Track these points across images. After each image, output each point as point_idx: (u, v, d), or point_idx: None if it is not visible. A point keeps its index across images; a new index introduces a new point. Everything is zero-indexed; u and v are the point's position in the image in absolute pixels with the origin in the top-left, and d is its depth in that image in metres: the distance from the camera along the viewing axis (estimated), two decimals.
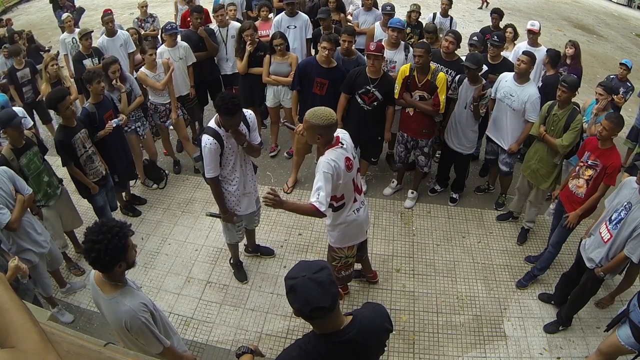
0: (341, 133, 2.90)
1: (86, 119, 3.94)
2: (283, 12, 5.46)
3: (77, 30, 6.22)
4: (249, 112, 3.31)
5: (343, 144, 2.85)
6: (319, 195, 2.67)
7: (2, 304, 0.91)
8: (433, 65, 4.33)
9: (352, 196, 3.03)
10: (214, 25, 5.60)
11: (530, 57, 4.14)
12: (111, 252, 1.92)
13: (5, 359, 0.84)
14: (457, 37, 4.63)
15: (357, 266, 3.88)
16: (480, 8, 12.43)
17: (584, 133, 4.15)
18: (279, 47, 4.76)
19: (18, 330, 0.88)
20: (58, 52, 6.80)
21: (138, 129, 4.78)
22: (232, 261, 4.07)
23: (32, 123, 4.79)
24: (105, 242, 1.89)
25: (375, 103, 4.34)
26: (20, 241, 3.17)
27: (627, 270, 3.62)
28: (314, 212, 2.68)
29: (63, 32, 6.54)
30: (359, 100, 4.35)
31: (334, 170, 2.71)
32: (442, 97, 4.21)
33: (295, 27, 5.43)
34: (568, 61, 5.33)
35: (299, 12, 5.53)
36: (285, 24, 5.41)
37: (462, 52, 4.96)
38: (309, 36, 5.54)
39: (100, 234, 1.90)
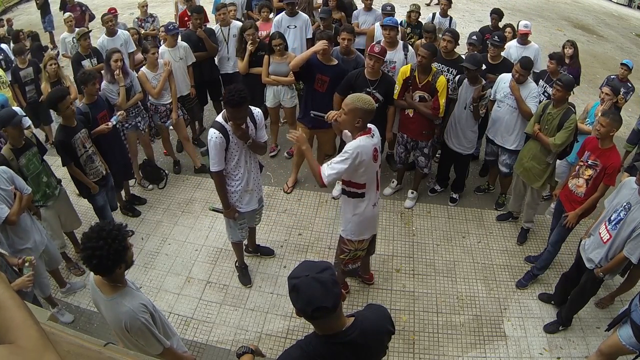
0: (372, 126, 2.97)
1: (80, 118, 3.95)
2: (283, 12, 5.45)
3: (77, 30, 6.23)
4: (257, 110, 3.33)
5: (374, 135, 2.94)
6: (332, 165, 2.83)
7: (3, 302, 0.92)
8: (435, 67, 4.32)
9: (374, 189, 3.09)
10: (214, 25, 5.60)
11: (527, 68, 4.16)
12: (113, 257, 1.91)
13: (3, 354, 0.84)
14: (455, 36, 4.64)
15: None
16: (429, 5, 11.74)
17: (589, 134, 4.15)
18: (277, 48, 4.75)
19: (18, 327, 0.89)
20: (58, 51, 6.80)
21: (139, 124, 4.79)
22: (237, 264, 4.06)
23: (30, 122, 4.78)
24: (106, 248, 1.88)
25: (376, 105, 4.33)
26: (17, 240, 3.16)
27: (629, 272, 3.62)
28: (318, 175, 2.87)
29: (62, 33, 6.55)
30: None
31: (358, 154, 2.81)
32: (442, 101, 4.21)
33: (295, 27, 5.42)
34: (567, 61, 5.34)
35: (299, 12, 5.52)
36: (285, 23, 5.41)
37: (462, 50, 4.97)
38: (309, 36, 5.54)
39: (99, 240, 1.89)
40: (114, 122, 4.03)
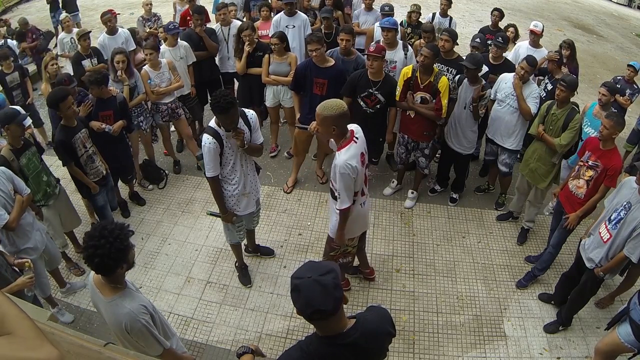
0: (354, 127, 2.92)
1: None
2: (282, 12, 5.45)
3: (75, 30, 6.24)
4: (251, 113, 3.30)
5: (357, 139, 2.88)
6: (341, 196, 2.91)
7: None
8: (436, 67, 4.33)
9: (361, 189, 3.08)
10: (216, 25, 5.61)
11: (533, 65, 4.15)
12: (115, 255, 1.91)
13: (3, 344, 0.87)
14: (452, 35, 4.64)
15: (355, 262, 3.89)
16: None
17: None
18: (273, 47, 4.75)
19: (14, 319, 0.92)
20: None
21: (141, 124, 4.81)
22: (237, 264, 4.05)
23: (30, 122, 4.78)
24: (107, 246, 1.88)
25: (377, 106, 4.34)
26: (18, 240, 3.16)
27: (628, 271, 3.62)
28: (347, 212, 2.99)
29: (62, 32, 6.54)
30: (361, 103, 4.34)
31: (353, 171, 2.80)
32: (445, 102, 4.21)
33: (294, 26, 5.41)
34: (564, 61, 5.32)
35: (298, 11, 5.52)
36: (284, 23, 5.40)
37: (464, 52, 4.96)
38: None
39: (102, 238, 1.89)
40: (107, 130, 4.05)
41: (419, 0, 6.48)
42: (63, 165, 3.80)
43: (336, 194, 2.95)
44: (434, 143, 4.74)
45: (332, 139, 2.92)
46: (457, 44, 4.80)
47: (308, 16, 5.90)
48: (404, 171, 5.10)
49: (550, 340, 3.60)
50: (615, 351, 2.95)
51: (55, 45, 8.90)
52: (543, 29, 5.33)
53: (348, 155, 2.79)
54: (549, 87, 4.79)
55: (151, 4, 6.89)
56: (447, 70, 4.63)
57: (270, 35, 5.02)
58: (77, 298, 3.89)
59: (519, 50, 5.32)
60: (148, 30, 6.50)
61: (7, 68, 5.45)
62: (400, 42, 4.89)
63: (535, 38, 5.30)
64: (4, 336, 0.88)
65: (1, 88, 5.40)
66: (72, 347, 1.06)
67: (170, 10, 8.11)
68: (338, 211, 3.03)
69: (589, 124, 4.28)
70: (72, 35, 6.15)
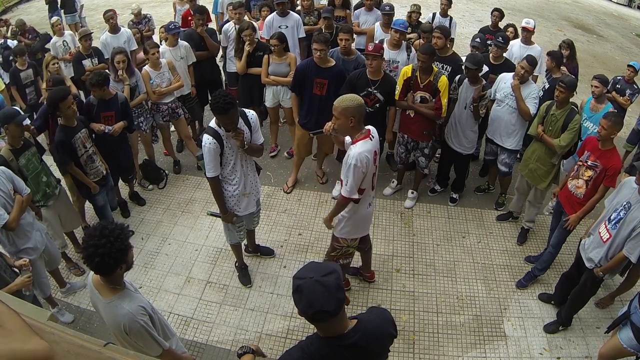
0: (371, 127, 2.95)
1: (85, 108, 4.02)
2: (274, 12, 5.43)
3: (66, 33, 6.26)
4: (251, 113, 3.31)
5: (373, 137, 2.91)
6: (348, 185, 2.89)
7: None
8: (436, 67, 4.33)
9: (370, 190, 3.10)
10: (228, 23, 5.61)
11: (533, 65, 4.16)
12: (115, 255, 1.91)
13: None
14: (444, 32, 4.68)
15: (357, 263, 3.89)
16: None
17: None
18: (273, 48, 4.76)
19: (2, 314, 0.94)
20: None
21: (141, 124, 4.82)
22: (237, 264, 4.05)
23: (29, 122, 4.79)
24: (108, 246, 1.88)
25: (377, 105, 4.34)
26: (18, 240, 3.16)
27: (628, 272, 3.62)
28: (347, 202, 2.98)
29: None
30: None
31: (365, 164, 2.81)
32: (444, 101, 4.21)
33: (287, 26, 5.40)
34: (564, 61, 5.33)
35: (290, 11, 5.51)
36: (277, 24, 5.37)
37: (464, 52, 4.97)
38: (301, 35, 5.52)
39: (102, 238, 1.89)
40: (107, 131, 4.05)
41: (419, 0, 6.49)
42: (60, 165, 3.78)
43: (344, 182, 2.93)
44: (434, 143, 4.74)
45: (347, 136, 2.95)
46: (452, 41, 4.80)
47: (312, 17, 5.91)
48: (403, 171, 5.10)
49: (550, 340, 3.60)
50: (617, 355, 2.95)
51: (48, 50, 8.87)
52: (535, 26, 5.35)
53: (364, 149, 2.81)
54: (547, 86, 4.79)
55: (140, 11, 6.89)
56: (443, 67, 4.64)
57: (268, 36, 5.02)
58: (77, 298, 3.89)
59: (512, 49, 5.35)
60: (139, 34, 6.50)
61: (22, 64, 5.45)
62: (404, 42, 4.91)
63: (528, 35, 5.33)
64: None
65: (3, 87, 5.39)
66: (72, 347, 1.06)
67: (170, 10, 8.13)
68: (337, 197, 3.03)
69: (587, 118, 4.30)
70: (64, 39, 6.16)
